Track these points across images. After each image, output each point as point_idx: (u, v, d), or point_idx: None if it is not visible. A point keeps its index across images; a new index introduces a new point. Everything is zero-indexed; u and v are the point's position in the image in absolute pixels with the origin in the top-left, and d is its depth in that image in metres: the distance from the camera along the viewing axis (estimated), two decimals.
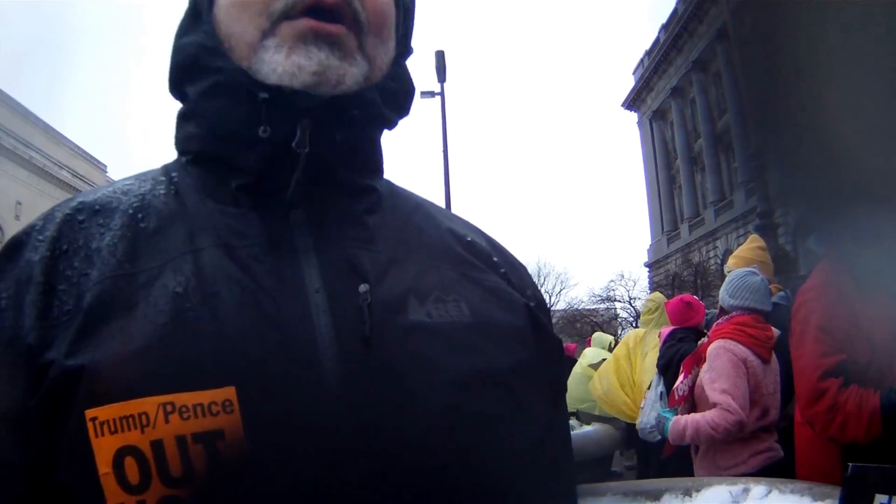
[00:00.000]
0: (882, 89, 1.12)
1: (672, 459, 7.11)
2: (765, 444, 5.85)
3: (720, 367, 5.96)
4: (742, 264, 7.27)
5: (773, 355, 6.03)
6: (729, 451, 5.99)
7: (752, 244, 8.13)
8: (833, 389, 3.95)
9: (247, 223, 1.40)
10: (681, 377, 6.71)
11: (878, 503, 1.50)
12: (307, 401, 1.22)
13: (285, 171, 1.39)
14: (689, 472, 6.11)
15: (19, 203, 65.70)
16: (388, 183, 1.66)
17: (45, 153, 70.77)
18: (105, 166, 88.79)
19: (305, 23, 1.40)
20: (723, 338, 6.08)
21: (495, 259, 1.64)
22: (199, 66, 1.48)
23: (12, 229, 66.55)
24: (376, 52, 1.50)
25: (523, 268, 1.76)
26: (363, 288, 1.34)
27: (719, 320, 6.37)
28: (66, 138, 78.99)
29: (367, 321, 1.31)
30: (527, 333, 1.52)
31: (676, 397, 6.62)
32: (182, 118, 1.56)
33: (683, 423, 6.06)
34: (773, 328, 6.06)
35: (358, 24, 1.45)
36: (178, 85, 1.57)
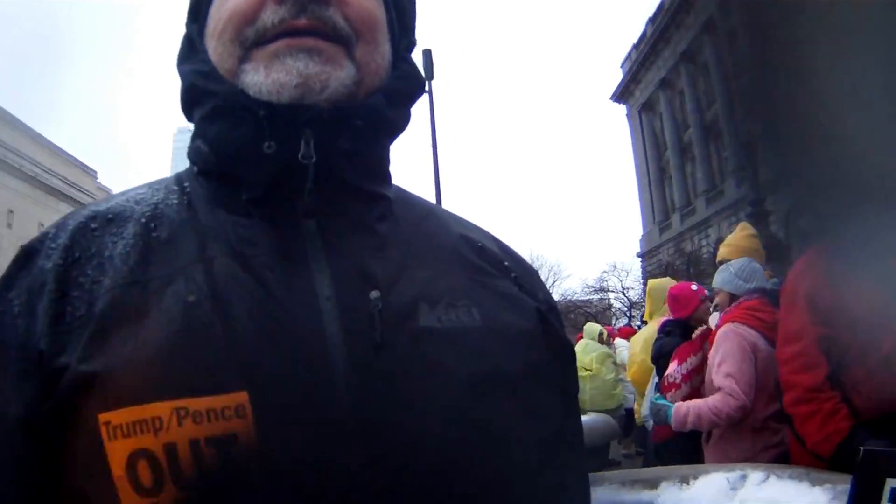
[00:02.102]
0: (878, 80, 1.11)
1: (669, 446, 7.12)
2: (776, 438, 5.69)
3: (727, 350, 5.93)
4: (737, 253, 7.27)
5: None
6: (739, 441, 5.91)
7: (743, 232, 8.11)
8: (821, 376, 3.98)
9: (258, 233, 1.40)
10: (673, 364, 6.73)
11: (889, 487, 1.49)
12: (318, 406, 1.23)
13: (294, 183, 1.40)
14: (689, 461, 6.09)
15: (11, 211, 65.75)
16: (399, 189, 1.65)
17: (35, 161, 70.80)
18: (95, 172, 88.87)
19: (278, 43, 1.42)
20: (732, 321, 6.04)
21: (507, 264, 1.64)
22: (197, 92, 1.50)
23: (4, 238, 66.83)
24: (369, 57, 1.50)
25: (535, 272, 1.76)
26: (374, 295, 1.35)
27: (728, 308, 6.31)
28: (55, 146, 79.12)
29: (378, 328, 1.32)
30: (537, 337, 1.52)
31: (667, 383, 6.63)
32: (193, 137, 1.57)
33: (685, 408, 6.04)
34: None
35: (341, 37, 1.45)
36: (188, 111, 1.58)
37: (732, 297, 6.35)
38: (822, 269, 3.82)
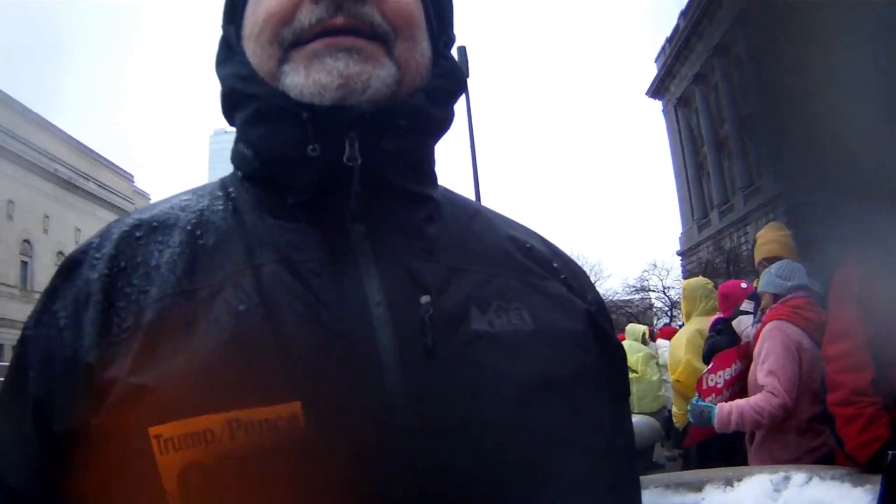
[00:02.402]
0: (885, 84, 1.13)
1: (704, 449, 7.10)
2: (820, 439, 5.58)
3: (770, 347, 5.88)
4: (780, 250, 7.17)
5: None
6: (784, 442, 5.84)
7: (777, 231, 8.02)
8: (867, 379, 3.96)
9: (305, 238, 1.39)
10: (711, 367, 6.71)
11: None
12: (372, 413, 1.22)
13: (340, 186, 1.38)
14: (729, 462, 6.06)
15: (47, 216, 66.00)
16: (445, 190, 1.64)
17: (70, 165, 70.99)
18: (132, 176, 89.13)
19: (317, 44, 1.40)
20: (777, 319, 6.00)
21: (556, 265, 1.62)
22: (238, 94, 1.49)
23: (40, 243, 67.12)
24: (408, 55, 1.47)
25: (583, 272, 1.75)
26: (425, 299, 1.33)
27: (774, 305, 6.26)
28: (90, 149, 79.32)
29: (430, 333, 1.30)
30: (588, 339, 1.51)
31: (704, 387, 6.60)
32: (236, 140, 1.57)
33: (728, 408, 5.97)
34: None
35: (379, 34, 1.43)
36: (228, 114, 1.57)
37: (776, 298, 6.28)
38: (873, 268, 3.79)
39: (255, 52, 1.48)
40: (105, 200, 78.03)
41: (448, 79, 1.57)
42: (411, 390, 1.25)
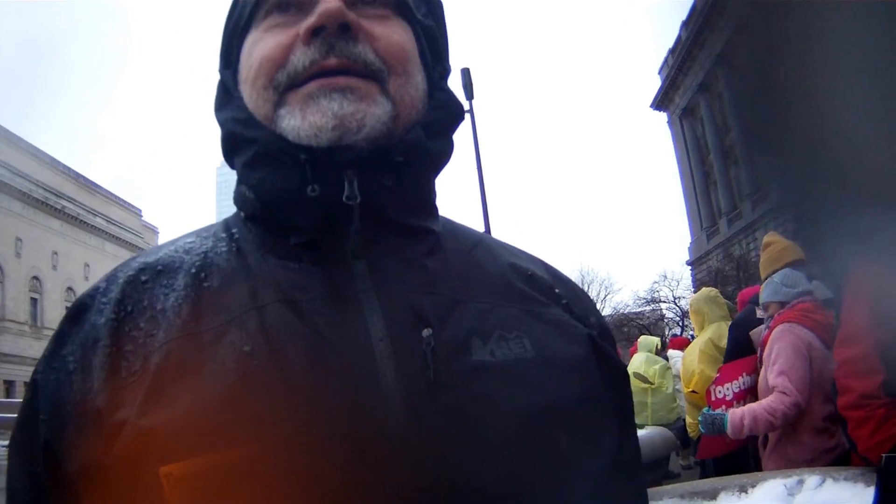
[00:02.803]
0: (883, 86, 1.09)
1: (721, 459, 7.10)
2: (833, 441, 5.62)
3: (780, 348, 5.91)
4: (771, 264, 7.14)
5: None
6: (799, 444, 5.86)
7: (783, 239, 7.96)
8: (876, 383, 3.94)
9: (308, 277, 1.41)
10: (718, 378, 6.73)
11: None
12: (375, 447, 1.23)
13: (341, 225, 1.41)
14: (744, 469, 6.04)
15: (55, 253, 66.55)
16: (445, 220, 1.66)
17: (77, 202, 71.66)
18: (140, 210, 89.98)
19: (311, 85, 1.42)
20: (787, 321, 6.02)
21: (557, 290, 1.63)
22: (237, 138, 1.52)
23: (49, 280, 67.63)
24: (403, 91, 1.49)
25: (586, 295, 1.76)
26: (426, 332, 1.34)
27: (781, 311, 6.28)
28: (97, 185, 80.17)
29: (431, 365, 1.31)
30: (591, 364, 1.51)
31: (713, 399, 6.62)
32: (238, 182, 1.59)
33: (740, 413, 5.99)
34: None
35: (372, 73, 1.45)
36: (229, 157, 1.59)
37: (782, 306, 6.31)
38: (884, 271, 3.75)
39: (251, 96, 1.51)
40: (113, 235, 78.98)
41: (444, 111, 1.58)
42: (414, 421, 1.26)
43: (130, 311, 1.38)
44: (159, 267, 1.46)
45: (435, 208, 1.62)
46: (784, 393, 5.70)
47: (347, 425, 1.23)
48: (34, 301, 66.42)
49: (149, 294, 1.41)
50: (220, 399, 1.24)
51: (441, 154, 1.57)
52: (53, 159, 70.06)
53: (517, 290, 1.55)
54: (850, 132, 1.10)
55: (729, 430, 6.05)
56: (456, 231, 1.66)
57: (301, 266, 1.43)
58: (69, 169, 73.57)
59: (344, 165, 1.39)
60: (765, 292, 6.58)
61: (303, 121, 1.40)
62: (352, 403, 1.26)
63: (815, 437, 5.77)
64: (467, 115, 26.57)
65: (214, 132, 1.63)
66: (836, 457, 5.41)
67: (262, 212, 1.50)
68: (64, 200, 69.17)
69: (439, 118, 1.56)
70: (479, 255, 1.62)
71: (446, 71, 1.67)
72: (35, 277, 66.08)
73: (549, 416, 1.35)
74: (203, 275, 1.43)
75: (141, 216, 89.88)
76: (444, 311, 1.41)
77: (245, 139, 1.49)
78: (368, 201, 1.40)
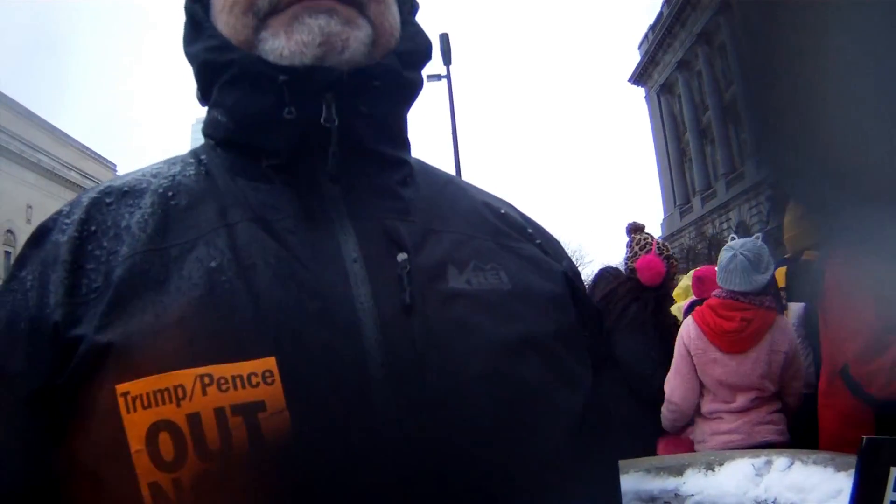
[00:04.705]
0: (881, 81, 1.10)
1: None
2: (726, 426, 5.80)
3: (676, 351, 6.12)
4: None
5: (760, 343, 5.83)
6: (695, 427, 6.12)
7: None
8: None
9: (280, 198, 1.39)
10: None
11: (894, 476, 1.48)
12: (348, 370, 1.21)
13: (316, 148, 1.40)
14: None
15: (30, 206, 65.97)
16: (418, 160, 1.66)
17: (52, 155, 71.10)
18: (115, 165, 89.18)
19: (296, 7, 1.40)
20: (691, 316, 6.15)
21: (530, 231, 1.64)
22: (213, 66, 1.49)
23: (24, 233, 67.00)
24: (381, 17, 1.50)
25: (557, 240, 1.74)
26: (402, 257, 1.34)
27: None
28: (72, 139, 79.52)
29: (407, 289, 1.30)
30: (566, 300, 1.52)
31: None
32: (209, 109, 1.56)
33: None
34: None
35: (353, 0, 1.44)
36: (205, 93, 1.57)
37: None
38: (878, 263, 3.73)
39: (227, 23, 1.48)
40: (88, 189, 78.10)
41: (416, 42, 1.59)
42: (388, 346, 1.25)
43: (94, 231, 1.35)
44: (125, 189, 1.43)
45: (408, 141, 1.62)
46: (669, 401, 6.07)
47: (319, 345, 1.22)
48: (8, 255, 65.81)
49: (113, 214, 1.38)
50: (183, 314, 1.21)
51: (413, 85, 1.57)
52: (29, 111, 69.24)
53: (491, 225, 1.56)
54: (852, 127, 1.11)
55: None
56: (428, 169, 1.68)
57: (272, 187, 1.41)
58: (45, 122, 72.60)
59: (323, 88, 1.38)
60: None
61: (288, 40, 1.39)
62: (324, 323, 1.24)
63: (705, 423, 6.00)
64: (444, 81, 26.45)
65: (191, 88, 1.62)
66: (726, 445, 5.55)
67: (234, 134, 1.48)
68: (40, 154, 68.50)
69: (411, 49, 1.55)
70: (451, 191, 1.63)
71: (415, 6, 1.68)
72: (9, 231, 65.44)
73: (525, 347, 1.35)
74: (171, 194, 1.40)
75: (116, 171, 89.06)
76: (418, 238, 1.41)
77: (221, 64, 1.46)
78: (345, 126, 1.39)
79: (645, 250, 7.04)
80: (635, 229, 7.48)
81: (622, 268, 7.43)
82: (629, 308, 6.81)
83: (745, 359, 5.76)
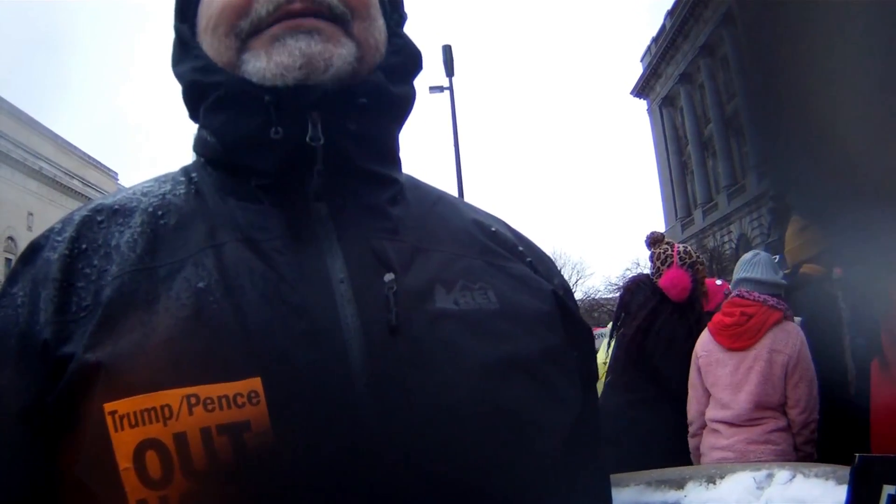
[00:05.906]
0: (881, 83, 1.10)
1: None
2: (722, 442, 5.78)
3: None
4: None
5: (763, 340, 5.81)
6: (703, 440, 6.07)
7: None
8: None
9: (268, 218, 1.39)
10: None
11: (887, 494, 1.48)
12: (334, 391, 1.21)
13: (304, 167, 1.38)
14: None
15: (31, 214, 66.04)
16: (409, 176, 1.65)
17: (54, 163, 71.23)
18: (116, 174, 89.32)
19: (276, 28, 1.40)
20: None
21: (520, 249, 1.63)
22: (200, 87, 1.49)
23: (24, 240, 67.10)
24: (366, 34, 1.49)
25: (549, 258, 1.74)
26: (388, 277, 1.34)
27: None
28: (75, 147, 79.64)
29: (394, 310, 1.30)
30: (555, 319, 1.50)
31: None
32: (198, 128, 1.56)
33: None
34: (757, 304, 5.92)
35: (337, 16, 1.44)
36: (193, 112, 1.57)
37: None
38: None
39: (211, 45, 1.49)
40: (89, 198, 78.16)
41: (403, 56, 1.58)
42: (374, 367, 1.24)
43: (84, 249, 1.36)
44: (115, 207, 1.44)
45: (398, 159, 1.61)
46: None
47: (305, 365, 1.22)
48: (8, 262, 65.95)
49: (104, 232, 1.39)
50: (170, 334, 1.21)
51: (403, 100, 1.56)
52: (32, 119, 69.51)
53: (480, 244, 1.55)
54: (852, 130, 1.11)
55: None
56: (419, 185, 1.67)
57: (261, 207, 1.41)
58: (48, 130, 72.91)
59: (308, 106, 1.37)
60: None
61: (268, 61, 1.39)
62: (310, 344, 1.24)
63: (709, 435, 5.96)
64: (447, 93, 26.46)
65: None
66: (719, 460, 5.51)
67: (223, 155, 1.48)
68: (42, 161, 68.74)
69: (399, 62, 1.55)
70: (441, 209, 1.62)
71: (402, 18, 1.66)
72: (10, 238, 65.62)
73: (513, 368, 1.35)
74: (160, 213, 1.41)
75: (117, 179, 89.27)
76: (406, 258, 1.41)
77: (207, 84, 1.46)
78: (332, 144, 1.39)
79: (667, 265, 6.98)
80: (654, 241, 7.38)
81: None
82: (676, 333, 6.75)
83: (746, 356, 5.77)
